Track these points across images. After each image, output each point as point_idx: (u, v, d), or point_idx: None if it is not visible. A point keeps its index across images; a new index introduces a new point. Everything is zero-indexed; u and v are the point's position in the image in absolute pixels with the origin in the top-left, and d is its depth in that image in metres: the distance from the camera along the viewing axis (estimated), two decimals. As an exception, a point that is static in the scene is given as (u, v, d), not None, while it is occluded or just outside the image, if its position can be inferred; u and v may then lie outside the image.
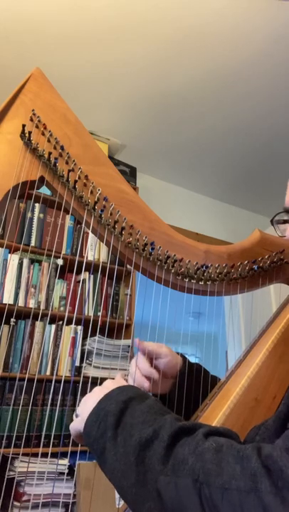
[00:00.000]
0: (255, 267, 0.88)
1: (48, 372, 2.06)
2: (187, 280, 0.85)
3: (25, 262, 2.13)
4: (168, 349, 0.86)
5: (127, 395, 0.58)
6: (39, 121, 0.81)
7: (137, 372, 0.81)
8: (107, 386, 0.63)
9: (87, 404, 0.61)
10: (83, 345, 2.21)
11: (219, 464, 0.46)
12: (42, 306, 2.12)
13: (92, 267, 2.33)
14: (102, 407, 0.57)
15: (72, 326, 2.19)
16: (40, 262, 2.19)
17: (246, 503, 0.43)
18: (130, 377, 0.80)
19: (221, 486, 0.44)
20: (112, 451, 0.52)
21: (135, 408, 0.55)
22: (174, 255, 0.83)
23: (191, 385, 0.83)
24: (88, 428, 0.57)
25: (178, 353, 0.88)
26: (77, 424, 0.62)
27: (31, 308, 2.09)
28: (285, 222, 0.74)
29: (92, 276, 2.35)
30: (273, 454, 0.45)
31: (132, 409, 0.55)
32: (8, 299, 2.03)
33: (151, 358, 0.84)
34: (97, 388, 0.65)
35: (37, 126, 0.81)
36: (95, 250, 2.41)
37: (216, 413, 0.72)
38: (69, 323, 2.18)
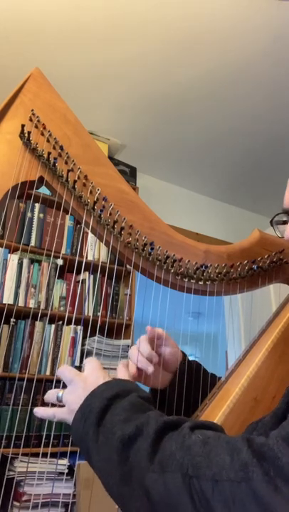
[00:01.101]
0: (254, 266, 0.88)
1: (48, 372, 2.06)
2: (187, 280, 0.85)
3: (25, 261, 2.13)
4: (175, 342, 0.85)
5: (112, 391, 0.57)
6: (38, 121, 0.81)
7: (140, 356, 0.80)
8: (97, 377, 0.61)
9: (75, 394, 0.60)
10: (83, 345, 2.21)
11: (208, 456, 0.45)
12: (42, 306, 2.12)
13: (92, 267, 2.33)
14: (88, 404, 0.56)
15: (72, 325, 2.19)
16: (40, 262, 2.19)
17: (238, 494, 0.42)
18: (131, 362, 0.79)
19: (212, 478, 0.43)
20: (95, 450, 0.52)
21: (117, 406, 0.55)
22: (174, 255, 0.84)
23: (190, 382, 0.83)
24: (75, 426, 0.57)
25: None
26: (64, 415, 0.61)
27: (31, 308, 2.09)
28: (284, 223, 0.74)
29: (92, 276, 2.35)
30: (269, 442, 0.44)
31: (114, 406, 0.54)
32: (8, 298, 2.03)
33: (157, 344, 0.83)
34: (87, 371, 0.63)
35: (36, 126, 0.81)
36: (95, 250, 2.41)
37: (215, 413, 0.72)
38: (69, 323, 2.18)
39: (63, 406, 0.63)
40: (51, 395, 0.64)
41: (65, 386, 0.64)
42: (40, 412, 0.64)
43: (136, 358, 0.78)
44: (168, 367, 0.84)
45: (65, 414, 0.61)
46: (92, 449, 0.52)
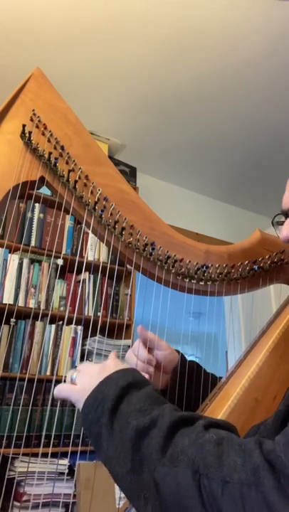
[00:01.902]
0: (255, 267, 0.88)
1: (48, 373, 2.06)
2: (187, 280, 0.85)
3: (25, 262, 2.13)
4: (167, 344, 0.85)
5: (127, 380, 0.57)
6: (39, 121, 0.81)
7: (138, 361, 0.81)
8: (109, 365, 0.62)
9: (89, 377, 0.60)
10: (83, 345, 2.21)
11: (220, 457, 0.45)
12: (42, 306, 2.12)
13: (92, 267, 2.33)
14: (102, 390, 0.56)
15: (73, 326, 2.19)
16: (40, 262, 2.19)
17: (248, 497, 0.42)
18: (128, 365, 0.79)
19: (222, 479, 0.44)
20: (108, 438, 0.52)
21: (133, 395, 0.55)
22: (175, 255, 0.84)
23: (188, 382, 0.83)
24: (86, 410, 0.56)
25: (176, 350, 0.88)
26: (72, 393, 0.61)
27: (31, 308, 2.09)
28: (282, 223, 0.74)
29: (92, 276, 2.35)
30: (276, 449, 0.44)
31: (129, 395, 0.54)
32: (8, 299, 2.03)
33: (149, 348, 0.83)
34: (102, 363, 0.63)
35: (37, 126, 0.81)
36: (95, 250, 2.41)
37: (216, 413, 0.72)
38: (69, 323, 2.18)
39: None
40: (68, 375, 0.64)
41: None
42: (55, 392, 0.64)
43: (134, 362, 0.79)
44: (163, 369, 0.84)
45: (75, 392, 0.60)
46: (104, 436, 0.52)
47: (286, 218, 0.72)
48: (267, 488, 0.42)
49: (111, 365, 0.62)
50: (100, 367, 0.61)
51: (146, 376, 0.76)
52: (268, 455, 0.44)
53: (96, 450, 0.54)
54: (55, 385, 0.66)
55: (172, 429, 0.49)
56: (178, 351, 0.87)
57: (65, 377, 0.64)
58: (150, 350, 0.84)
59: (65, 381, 0.64)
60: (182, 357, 0.87)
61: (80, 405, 0.58)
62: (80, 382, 0.61)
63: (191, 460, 0.46)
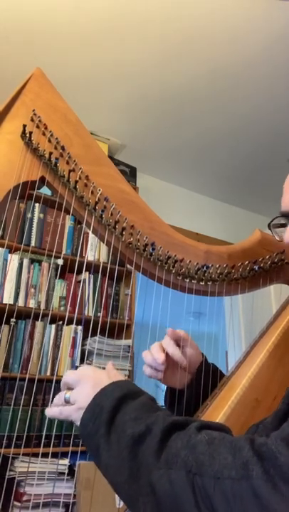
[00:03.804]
0: (255, 267, 0.88)
1: (48, 373, 2.06)
2: (188, 280, 0.85)
3: (26, 262, 2.13)
4: (196, 345, 0.86)
5: (122, 391, 0.58)
6: (40, 121, 0.81)
7: (176, 352, 0.81)
8: (103, 377, 0.62)
9: (84, 394, 0.60)
10: (83, 345, 2.21)
11: (212, 455, 0.46)
12: (42, 306, 2.12)
13: (93, 267, 2.33)
14: (98, 403, 0.57)
15: (73, 326, 2.19)
16: (40, 262, 2.19)
17: (238, 491, 0.43)
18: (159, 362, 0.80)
19: (213, 476, 0.45)
20: (106, 448, 0.53)
21: (128, 405, 0.56)
22: (175, 255, 0.84)
23: (207, 384, 0.83)
24: (84, 423, 0.57)
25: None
26: (71, 413, 0.61)
27: (31, 308, 2.08)
28: (281, 226, 0.74)
29: (92, 276, 2.35)
30: (268, 442, 0.45)
31: (125, 406, 0.55)
32: (8, 299, 2.03)
33: (178, 344, 0.84)
34: (94, 374, 0.64)
35: (38, 127, 0.81)
36: (95, 250, 2.41)
37: (216, 413, 0.72)
38: (69, 323, 2.18)
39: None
40: (58, 397, 0.65)
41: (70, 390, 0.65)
42: (48, 412, 0.65)
43: (161, 359, 0.80)
44: (189, 368, 0.85)
45: (73, 411, 0.61)
46: (102, 447, 0.53)
47: (288, 220, 0.71)
48: (256, 480, 0.43)
49: (104, 377, 0.62)
50: (94, 381, 0.62)
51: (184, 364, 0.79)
52: (259, 448, 0.45)
53: (95, 461, 0.55)
54: (55, 385, 0.66)
55: (166, 434, 0.50)
56: (202, 353, 0.88)
57: (56, 398, 0.65)
58: (182, 348, 0.84)
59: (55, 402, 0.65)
60: (205, 359, 0.88)
61: (78, 423, 0.59)
62: (76, 400, 0.61)
63: (184, 461, 0.47)
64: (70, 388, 0.65)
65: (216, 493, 0.44)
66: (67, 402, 0.63)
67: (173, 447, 0.49)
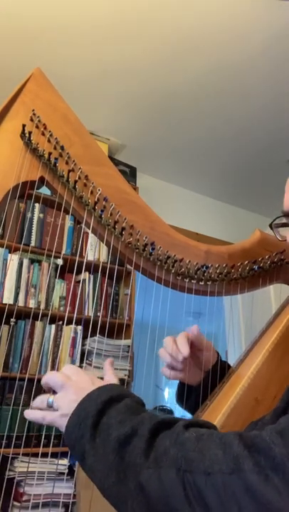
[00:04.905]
0: (255, 267, 0.88)
1: (48, 373, 2.06)
2: (187, 280, 0.85)
3: (25, 262, 2.13)
4: (210, 344, 0.87)
5: (107, 395, 0.57)
6: (39, 121, 0.81)
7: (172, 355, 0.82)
8: (86, 383, 0.61)
9: (68, 399, 0.59)
10: (83, 345, 2.21)
11: (201, 452, 0.46)
12: (42, 306, 2.12)
13: (92, 267, 2.33)
14: (83, 408, 0.56)
15: (73, 326, 2.19)
16: (40, 262, 2.19)
17: (229, 485, 0.43)
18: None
19: (204, 472, 0.44)
20: (92, 452, 0.52)
21: (113, 408, 0.55)
22: (175, 255, 0.84)
23: (219, 381, 0.84)
24: (70, 429, 0.56)
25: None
26: (54, 419, 0.60)
27: (31, 308, 2.08)
28: (283, 225, 0.74)
29: (92, 276, 2.35)
30: (262, 434, 0.45)
31: (110, 409, 0.55)
32: (8, 299, 2.03)
33: (194, 346, 0.85)
34: (74, 376, 0.62)
35: (37, 127, 0.81)
36: (95, 250, 2.41)
37: (216, 413, 0.72)
38: (69, 323, 2.18)
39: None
40: (40, 400, 0.63)
41: (54, 392, 0.63)
42: (29, 414, 0.63)
43: (186, 352, 0.81)
44: (202, 366, 0.86)
45: (57, 417, 0.60)
46: (88, 451, 0.53)
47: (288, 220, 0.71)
48: (247, 472, 0.43)
49: (89, 384, 0.61)
50: (78, 387, 0.60)
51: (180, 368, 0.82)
52: (252, 440, 0.45)
53: (82, 466, 0.55)
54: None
55: (153, 434, 0.50)
56: (217, 352, 0.89)
57: (37, 401, 0.64)
58: (198, 349, 0.85)
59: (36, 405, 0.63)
60: (218, 357, 0.89)
61: (64, 429, 0.57)
62: (60, 407, 0.60)
63: (173, 459, 0.47)
64: (53, 391, 0.63)
65: (207, 489, 0.44)
66: (50, 406, 0.61)
67: (161, 446, 0.49)
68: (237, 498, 0.42)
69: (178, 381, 0.89)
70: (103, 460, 0.51)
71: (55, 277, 2.23)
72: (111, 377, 0.69)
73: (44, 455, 1.89)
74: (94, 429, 0.53)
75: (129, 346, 2.32)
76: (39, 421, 0.62)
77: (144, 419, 0.52)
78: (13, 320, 2.01)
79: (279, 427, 0.46)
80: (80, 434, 0.54)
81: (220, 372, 0.84)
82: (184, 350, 0.81)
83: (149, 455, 0.48)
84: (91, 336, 2.21)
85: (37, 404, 0.63)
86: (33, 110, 0.81)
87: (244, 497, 0.42)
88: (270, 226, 0.77)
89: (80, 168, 0.81)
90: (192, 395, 0.85)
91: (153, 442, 0.49)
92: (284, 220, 0.73)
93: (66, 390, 0.61)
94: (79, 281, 2.33)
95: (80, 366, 2.18)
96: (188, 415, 0.88)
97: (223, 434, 0.48)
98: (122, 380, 2.14)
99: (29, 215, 2.23)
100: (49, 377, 0.64)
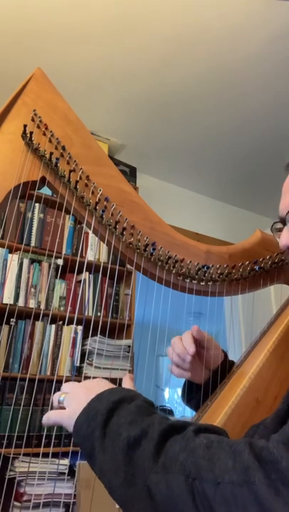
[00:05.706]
0: (256, 267, 0.88)
1: (49, 373, 2.06)
2: (188, 281, 0.85)
3: (26, 262, 2.13)
4: (216, 343, 0.89)
5: (118, 396, 0.57)
6: (40, 121, 0.81)
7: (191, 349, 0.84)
8: (98, 385, 0.61)
9: (78, 398, 0.59)
10: (83, 345, 2.21)
11: (211, 460, 0.46)
12: (42, 306, 2.12)
13: (93, 267, 2.33)
14: (94, 407, 0.56)
15: (73, 326, 2.19)
16: (40, 262, 2.19)
17: (239, 496, 0.43)
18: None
19: (214, 481, 0.44)
20: (101, 451, 0.52)
21: (124, 409, 0.55)
22: (175, 256, 0.84)
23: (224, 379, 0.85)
24: (78, 426, 0.56)
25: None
26: (62, 417, 0.60)
27: (31, 308, 2.08)
28: (279, 230, 0.74)
29: (92, 276, 2.35)
30: (269, 446, 0.45)
31: (120, 409, 0.55)
32: (8, 299, 2.03)
33: (203, 346, 0.86)
34: (88, 383, 0.63)
35: (38, 127, 0.81)
36: (96, 250, 2.41)
37: (217, 413, 0.72)
38: (69, 323, 2.18)
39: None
40: (54, 398, 0.64)
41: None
42: (45, 420, 0.64)
43: (193, 349, 0.83)
44: (208, 365, 0.88)
45: (65, 416, 0.60)
46: (97, 450, 0.53)
47: (284, 225, 0.71)
48: (257, 485, 0.42)
49: (100, 384, 0.62)
50: (88, 388, 0.61)
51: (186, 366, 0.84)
52: (260, 452, 0.45)
53: (90, 465, 0.55)
54: (55, 385, 0.66)
55: (163, 438, 0.50)
56: (223, 351, 0.90)
57: (52, 400, 0.64)
58: (203, 348, 0.86)
59: (52, 406, 0.64)
60: (225, 356, 0.90)
61: (71, 429, 0.57)
62: (70, 405, 0.60)
63: (182, 465, 0.46)
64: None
65: (216, 498, 0.43)
66: (60, 403, 0.62)
67: (170, 451, 0.48)
68: (247, 509, 0.42)
69: (184, 380, 0.90)
70: (112, 460, 0.51)
71: (56, 277, 2.23)
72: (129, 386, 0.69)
73: (45, 455, 1.89)
74: (104, 428, 0.53)
75: (129, 346, 2.32)
76: (44, 421, 0.63)
77: (154, 422, 0.52)
78: (13, 320, 2.01)
79: (284, 438, 0.46)
80: (90, 432, 0.54)
81: (228, 370, 0.86)
82: (190, 348, 0.82)
83: (157, 459, 0.48)
84: (91, 336, 2.21)
85: (54, 404, 0.64)
86: (34, 110, 0.81)
87: (254, 509, 0.42)
88: (271, 229, 0.77)
89: (81, 169, 0.81)
90: (198, 393, 0.85)
91: (162, 446, 0.49)
92: (278, 225, 0.73)
93: (76, 389, 0.62)
94: (79, 282, 2.33)
95: (81, 366, 2.18)
96: (188, 415, 0.88)
97: (233, 441, 0.48)
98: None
99: (29, 215, 2.23)
100: (64, 386, 0.65)
